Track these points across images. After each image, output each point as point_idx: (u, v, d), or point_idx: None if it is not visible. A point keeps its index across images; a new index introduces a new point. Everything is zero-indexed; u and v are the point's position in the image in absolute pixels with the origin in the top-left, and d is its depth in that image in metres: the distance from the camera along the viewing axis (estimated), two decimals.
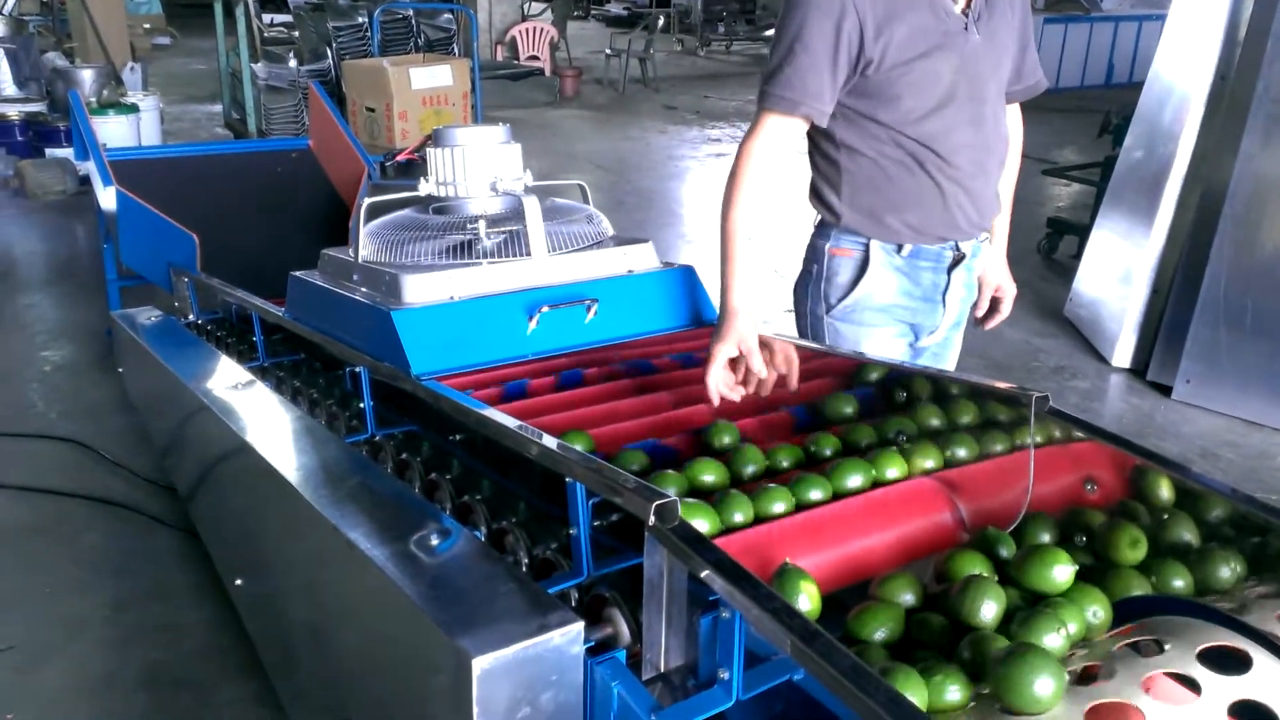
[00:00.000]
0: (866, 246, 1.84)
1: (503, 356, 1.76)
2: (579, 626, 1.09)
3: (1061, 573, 1.08)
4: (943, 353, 2.03)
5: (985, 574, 1.10)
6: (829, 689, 0.91)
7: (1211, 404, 3.82)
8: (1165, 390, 3.95)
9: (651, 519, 1.08)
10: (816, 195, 1.89)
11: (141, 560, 2.76)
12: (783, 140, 1.71)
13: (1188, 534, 1.21)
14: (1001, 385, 1.44)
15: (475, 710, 1.04)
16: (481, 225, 1.87)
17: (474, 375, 1.71)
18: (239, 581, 2.14)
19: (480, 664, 1.03)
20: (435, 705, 1.18)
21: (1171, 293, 4.06)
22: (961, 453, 1.45)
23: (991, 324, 2.08)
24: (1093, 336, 4.48)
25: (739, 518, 1.23)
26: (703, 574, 1.03)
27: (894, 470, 1.38)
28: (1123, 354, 4.23)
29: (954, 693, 0.92)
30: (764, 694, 1.03)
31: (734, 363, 1.61)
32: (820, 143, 1.83)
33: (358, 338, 1.84)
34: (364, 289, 1.85)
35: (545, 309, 1.77)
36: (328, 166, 4.07)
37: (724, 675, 1.00)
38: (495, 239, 1.87)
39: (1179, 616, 1.03)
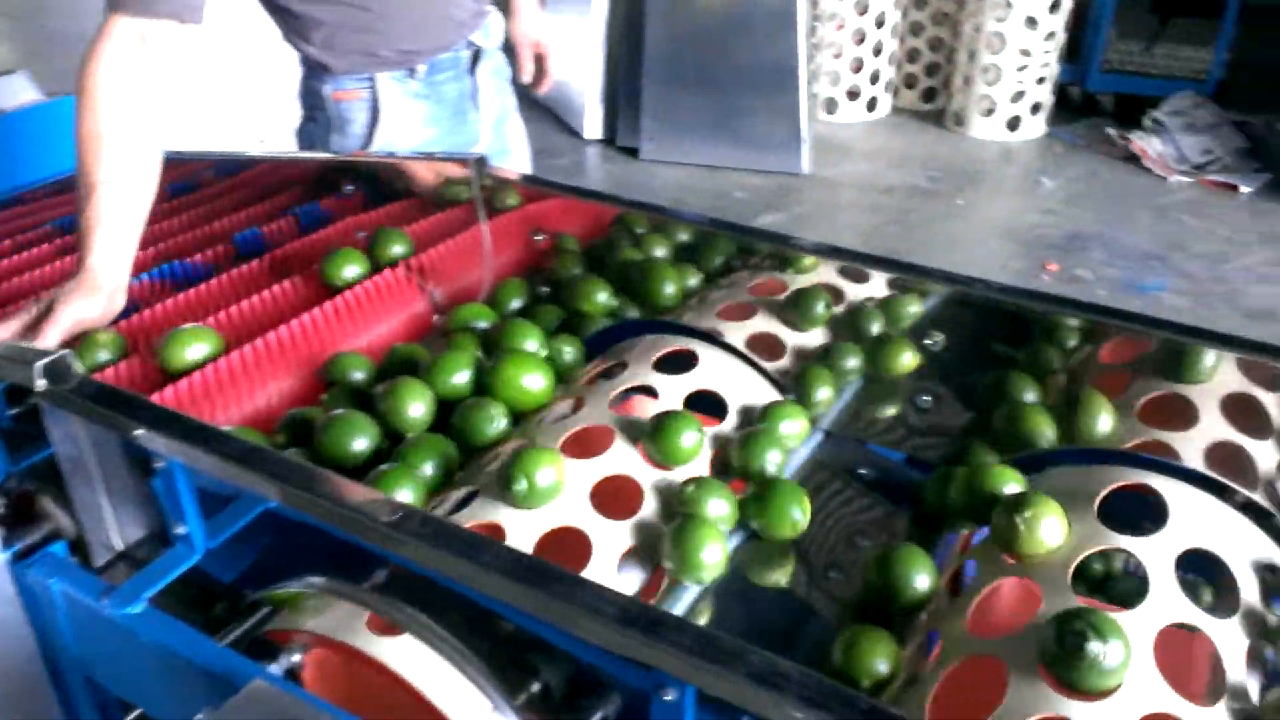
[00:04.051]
0: (373, 84, 1.57)
1: None
2: None
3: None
4: (503, 155, 1.78)
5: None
6: (295, 507, 0.83)
7: (674, 157, 4.16)
8: (634, 153, 4.23)
9: (40, 383, 0.88)
10: (288, 40, 1.57)
11: None
12: (147, 51, 1.17)
13: (650, 253, 1.27)
14: (444, 154, 1.38)
15: None
16: None
17: None
18: None
19: None
20: None
21: (622, 60, 4.28)
22: (426, 232, 1.38)
23: (546, 86, 1.88)
24: (565, 115, 4.63)
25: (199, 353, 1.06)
26: (134, 433, 0.87)
27: (356, 267, 1.28)
28: (593, 127, 4.43)
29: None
30: (248, 531, 0.92)
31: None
32: None
33: None
34: None
35: None
36: None
37: (181, 531, 0.87)
38: None
39: (645, 336, 1.07)
